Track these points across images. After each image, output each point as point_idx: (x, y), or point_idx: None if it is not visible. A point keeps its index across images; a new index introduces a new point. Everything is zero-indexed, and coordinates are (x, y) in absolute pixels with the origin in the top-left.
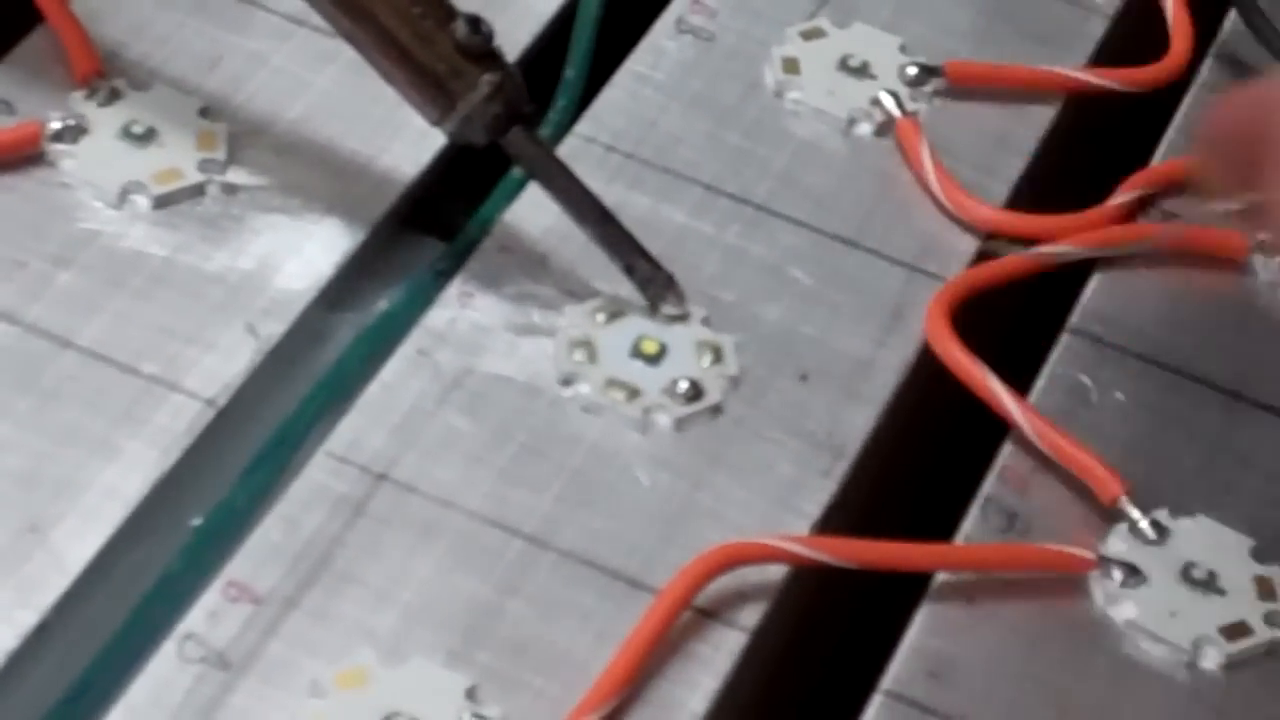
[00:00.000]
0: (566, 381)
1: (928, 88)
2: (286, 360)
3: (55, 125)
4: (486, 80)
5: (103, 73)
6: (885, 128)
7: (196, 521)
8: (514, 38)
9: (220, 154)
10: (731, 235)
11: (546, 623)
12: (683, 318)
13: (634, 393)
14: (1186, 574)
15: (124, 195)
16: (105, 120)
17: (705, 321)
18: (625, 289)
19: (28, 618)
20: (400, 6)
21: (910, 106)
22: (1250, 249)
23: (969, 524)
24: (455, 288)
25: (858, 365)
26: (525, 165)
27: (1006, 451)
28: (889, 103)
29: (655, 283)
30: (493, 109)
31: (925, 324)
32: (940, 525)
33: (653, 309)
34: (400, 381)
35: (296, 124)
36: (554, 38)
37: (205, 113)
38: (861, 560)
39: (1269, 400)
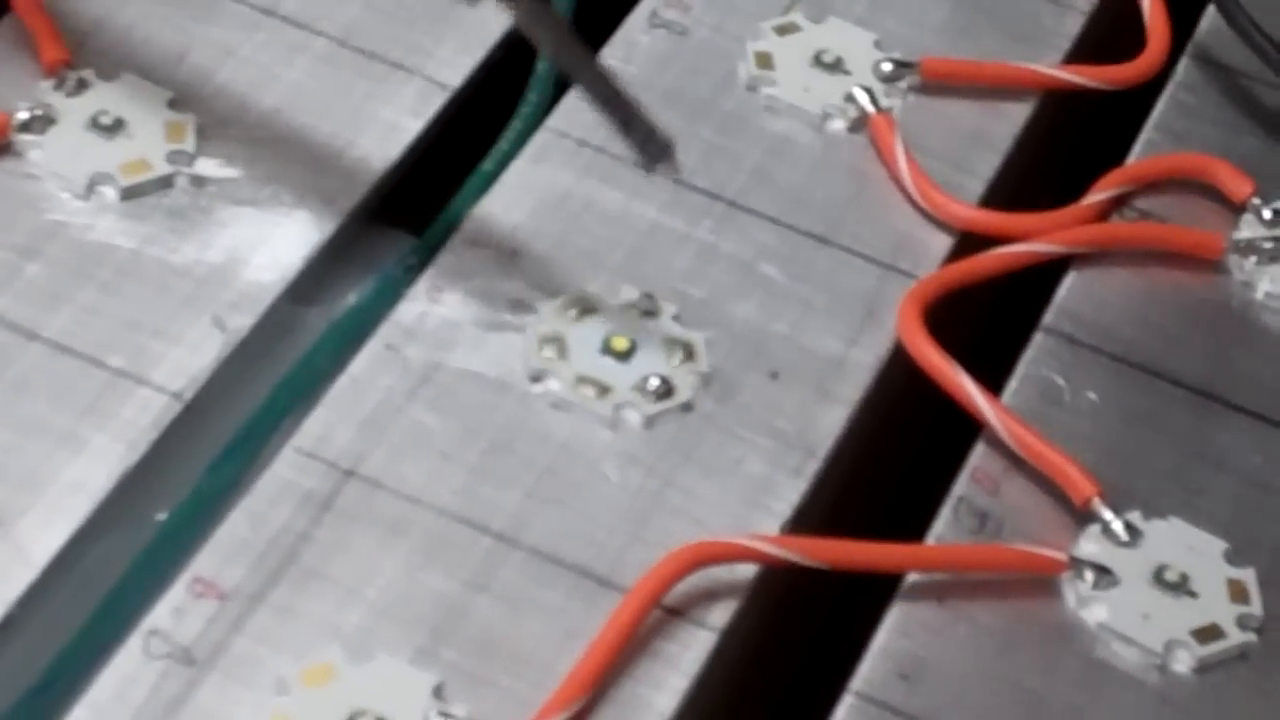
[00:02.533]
0: (536, 378)
1: (902, 84)
2: (254, 354)
3: (23, 115)
4: None
5: (70, 63)
6: (859, 124)
7: (162, 516)
8: (486, 29)
9: (189, 145)
10: (703, 231)
11: (514, 621)
12: (676, 173)
13: (604, 390)
14: (1159, 576)
15: (92, 186)
16: (73, 110)
17: (676, 318)
18: (595, 285)
19: None
20: None
21: (884, 103)
22: (1225, 249)
23: (940, 524)
24: (425, 282)
25: (830, 363)
26: (517, 15)
27: (979, 451)
28: (863, 99)
29: (652, 143)
30: None
31: (898, 322)
32: (912, 525)
33: (647, 171)
34: (368, 377)
35: (265, 116)
36: None
37: (174, 104)
38: (832, 560)
39: (1243, 402)
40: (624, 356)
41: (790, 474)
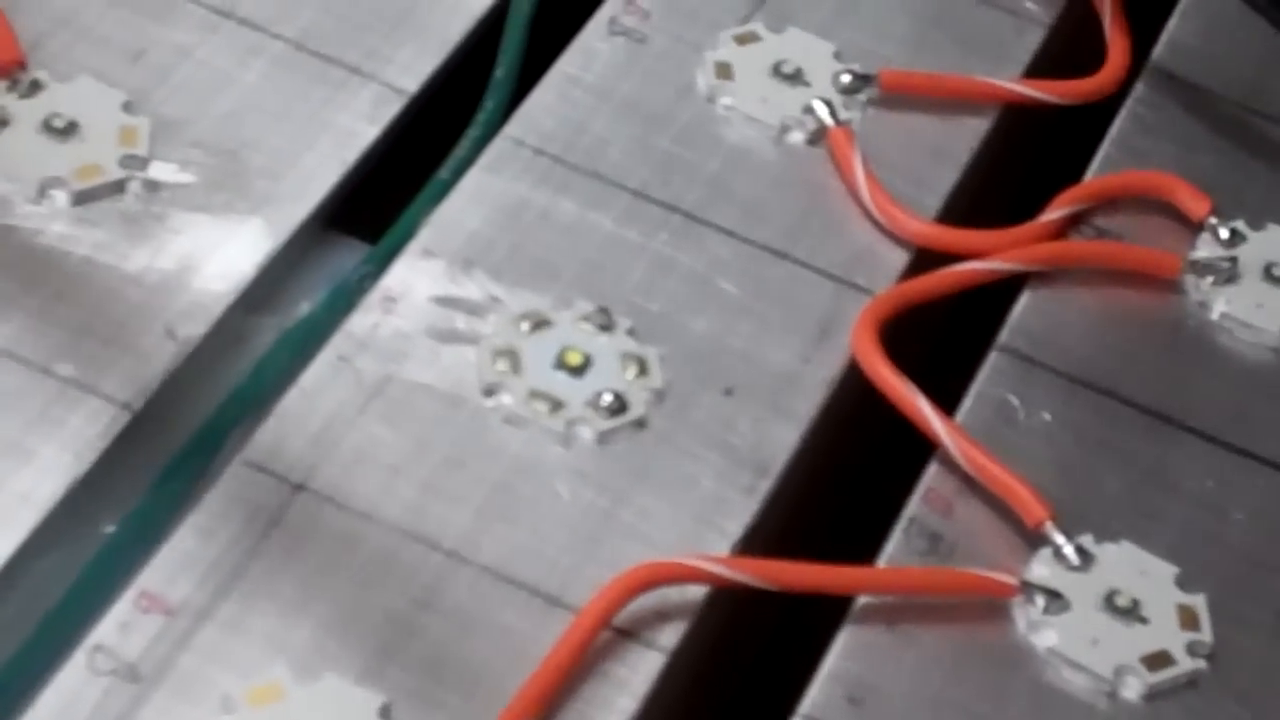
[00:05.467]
0: (489, 392)
1: (862, 96)
2: (205, 364)
3: None
4: None
5: (24, 64)
6: (818, 136)
7: (110, 529)
8: (444, 35)
9: (142, 149)
10: (659, 244)
11: (463, 640)
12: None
13: (557, 405)
14: (1110, 601)
15: (43, 190)
16: (26, 112)
17: (630, 332)
18: (550, 298)
19: None
20: None
21: (843, 115)
22: (1182, 268)
23: (892, 545)
24: (378, 293)
25: (784, 380)
26: None
27: (932, 472)
28: (822, 111)
29: None
30: None
31: (852, 339)
32: (864, 545)
33: None
34: (320, 389)
35: (221, 120)
36: (485, 36)
37: (128, 107)
38: (782, 582)
39: (1197, 424)
40: (578, 371)
41: (743, 492)
